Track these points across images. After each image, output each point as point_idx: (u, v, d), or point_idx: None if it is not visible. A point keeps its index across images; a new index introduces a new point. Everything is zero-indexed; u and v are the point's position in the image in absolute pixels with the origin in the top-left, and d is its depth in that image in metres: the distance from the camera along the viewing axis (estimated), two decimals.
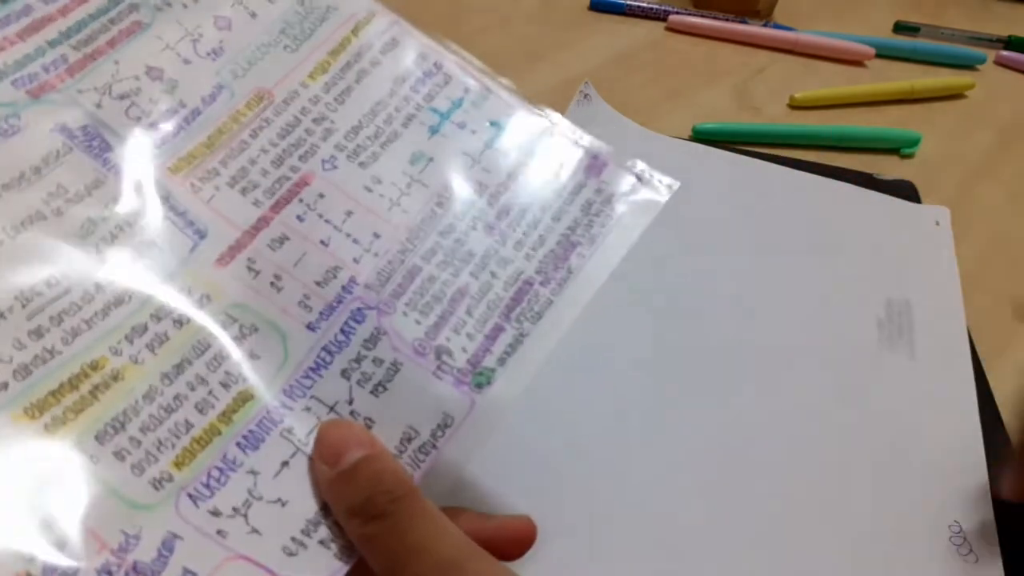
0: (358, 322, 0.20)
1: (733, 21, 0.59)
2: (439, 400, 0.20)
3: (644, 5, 0.59)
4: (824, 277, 0.41)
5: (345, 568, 0.18)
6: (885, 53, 0.58)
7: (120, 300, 0.19)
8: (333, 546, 0.18)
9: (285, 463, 0.19)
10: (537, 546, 0.22)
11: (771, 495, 0.32)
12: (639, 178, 0.24)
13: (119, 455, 0.18)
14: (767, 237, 0.42)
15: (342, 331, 0.20)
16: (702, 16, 0.59)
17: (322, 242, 0.21)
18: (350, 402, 0.20)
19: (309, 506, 0.19)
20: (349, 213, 0.22)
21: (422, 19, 0.62)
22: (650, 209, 0.24)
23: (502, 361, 0.21)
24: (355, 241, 0.21)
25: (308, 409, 0.20)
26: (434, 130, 0.24)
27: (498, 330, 0.21)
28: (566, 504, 0.30)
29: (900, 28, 0.62)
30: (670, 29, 0.58)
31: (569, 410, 0.33)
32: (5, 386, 0.18)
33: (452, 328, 0.21)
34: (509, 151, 0.24)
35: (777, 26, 0.59)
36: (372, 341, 0.20)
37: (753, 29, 0.58)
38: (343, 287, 0.21)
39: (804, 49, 0.57)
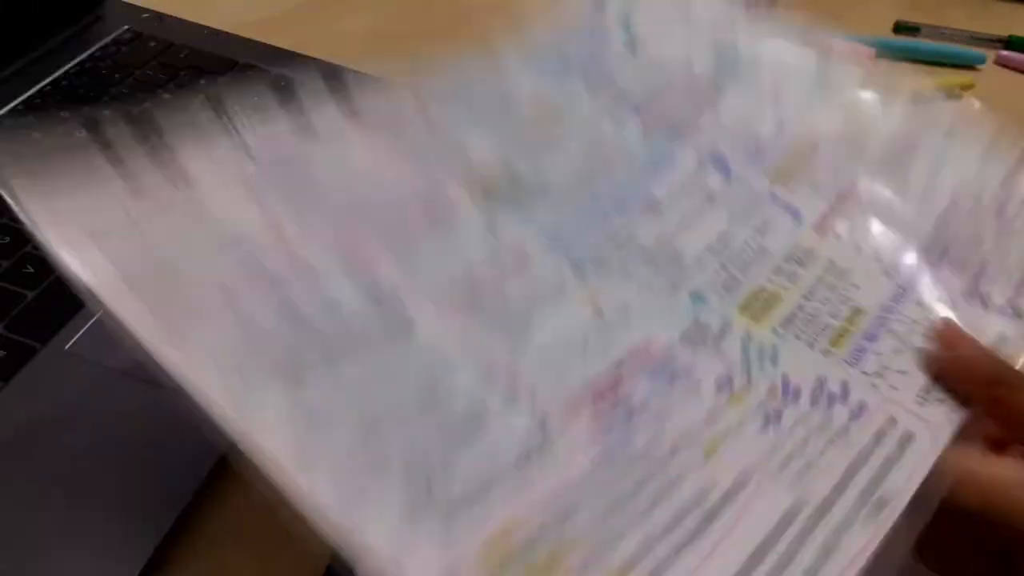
0: (920, 274, 0.31)
1: None
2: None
3: None
4: None
5: (959, 418, 0.27)
6: (885, 53, 0.59)
7: (764, 252, 0.31)
8: (947, 404, 0.27)
9: (899, 351, 0.29)
10: None
11: None
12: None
13: (797, 336, 0.29)
14: None
15: (911, 277, 0.31)
16: None
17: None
18: None
19: (921, 379, 0.28)
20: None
21: (424, 18, 0.62)
22: None
23: None
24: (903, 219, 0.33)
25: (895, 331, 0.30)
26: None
27: None
28: None
29: (900, 28, 0.62)
30: None
31: None
32: (729, 290, 0.29)
33: (988, 280, 0.31)
34: None
35: None
36: (932, 286, 0.31)
37: None
38: (905, 247, 0.32)
39: None
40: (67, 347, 0.32)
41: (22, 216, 0.23)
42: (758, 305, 0.29)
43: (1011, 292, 0.30)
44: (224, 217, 0.25)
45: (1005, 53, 0.60)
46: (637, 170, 0.32)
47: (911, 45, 0.59)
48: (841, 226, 0.32)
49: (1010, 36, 0.61)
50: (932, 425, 0.27)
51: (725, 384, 0.27)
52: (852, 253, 0.31)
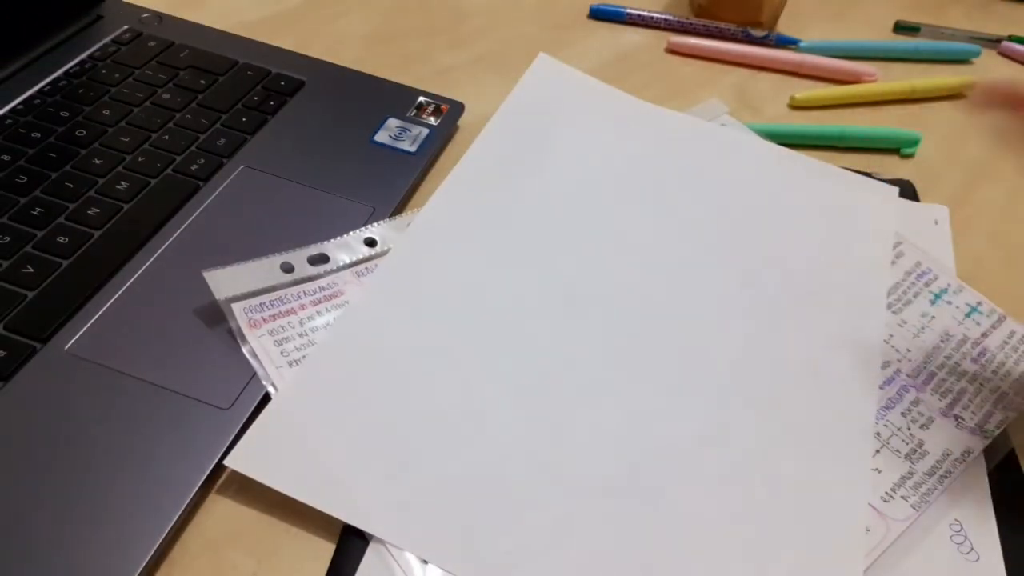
0: (905, 392, 0.36)
1: (736, 32, 0.58)
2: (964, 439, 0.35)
3: (644, 14, 0.59)
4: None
5: (917, 515, 0.31)
6: (886, 54, 0.59)
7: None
8: (909, 501, 0.32)
9: (878, 451, 0.34)
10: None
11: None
12: None
13: None
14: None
15: (897, 394, 0.36)
16: (701, 38, 0.58)
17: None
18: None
19: (891, 479, 0.33)
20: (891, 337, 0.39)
21: (423, 18, 0.61)
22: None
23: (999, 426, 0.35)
24: (895, 348, 0.38)
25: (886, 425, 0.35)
26: (935, 300, 0.40)
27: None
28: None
29: (900, 28, 0.62)
30: (670, 51, 0.57)
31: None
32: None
33: (962, 406, 0.36)
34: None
35: (780, 37, 0.59)
36: (915, 403, 0.35)
37: (756, 52, 0.57)
38: (895, 372, 0.37)
39: (809, 71, 0.56)
40: (67, 347, 0.32)
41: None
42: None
43: (980, 418, 0.35)
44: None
45: (1008, 44, 0.60)
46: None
47: (912, 45, 0.59)
48: None
49: (1010, 36, 0.61)
50: (888, 520, 0.31)
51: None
52: None
